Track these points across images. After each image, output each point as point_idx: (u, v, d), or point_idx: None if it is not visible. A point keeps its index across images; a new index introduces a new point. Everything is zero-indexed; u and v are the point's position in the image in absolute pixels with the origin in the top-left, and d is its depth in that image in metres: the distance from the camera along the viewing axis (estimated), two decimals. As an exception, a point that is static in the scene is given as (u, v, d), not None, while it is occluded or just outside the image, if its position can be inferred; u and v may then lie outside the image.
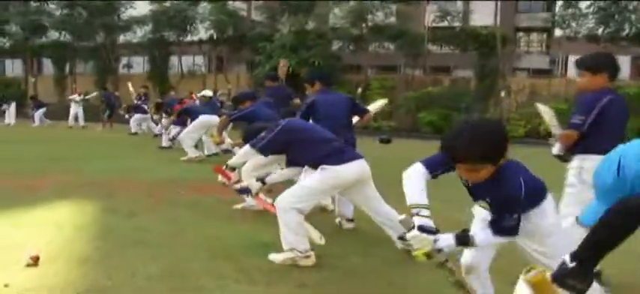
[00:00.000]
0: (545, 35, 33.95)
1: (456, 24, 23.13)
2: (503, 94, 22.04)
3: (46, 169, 8.09)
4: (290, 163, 4.55)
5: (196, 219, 5.20)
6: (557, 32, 25.71)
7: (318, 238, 4.01)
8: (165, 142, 11.65)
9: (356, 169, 3.99)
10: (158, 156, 10.67)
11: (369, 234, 4.67)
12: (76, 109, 19.58)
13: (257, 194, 4.44)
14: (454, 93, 22.29)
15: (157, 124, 14.73)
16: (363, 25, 23.07)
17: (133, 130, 16.59)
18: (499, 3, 28.85)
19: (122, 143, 13.40)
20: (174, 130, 11.43)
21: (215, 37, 26.29)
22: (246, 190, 4.45)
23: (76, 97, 19.88)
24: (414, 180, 2.58)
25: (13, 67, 33.86)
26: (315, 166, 4.02)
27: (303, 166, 4.50)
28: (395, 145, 17.49)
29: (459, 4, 23.52)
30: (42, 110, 20.35)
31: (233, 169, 4.44)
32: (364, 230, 4.84)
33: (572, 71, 23.13)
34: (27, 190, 6.27)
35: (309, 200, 3.94)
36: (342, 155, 3.97)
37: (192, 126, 10.12)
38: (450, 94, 22.23)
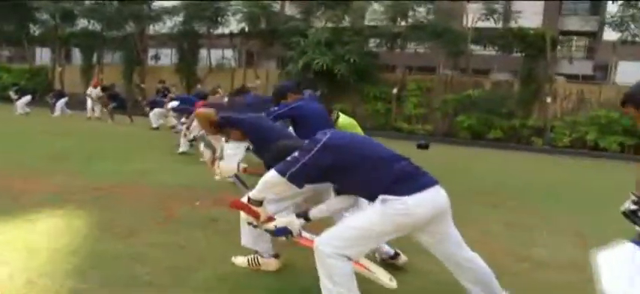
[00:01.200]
0: (587, 40, 32.31)
1: (500, 24, 21.64)
2: (549, 100, 20.56)
3: (43, 169, 7.13)
4: (340, 191, 3.23)
5: (213, 246, 4.13)
6: (607, 36, 24.12)
7: (388, 280, 2.94)
8: (183, 146, 10.18)
9: (433, 200, 2.83)
10: (175, 157, 9.66)
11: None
12: (92, 102, 18.87)
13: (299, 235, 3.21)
14: (497, 97, 20.87)
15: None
16: (403, 22, 21.79)
17: (154, 125, 15.68)
18: (543, 3, 27.45)
19: (139, 139, 12.45)
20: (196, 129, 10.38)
21: (246, 30, 25.27)
22: (283, 231, 3.17)
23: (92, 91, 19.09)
24: None
25: (42, 56, 33.43)
26: (371, 197, 2.86)
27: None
28: (432, 151, 16.26)
29: (505, 3, 21.97)
30: (63, 100, 19.58)
31: (259, 202, 3.16)
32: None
33: (621, 77, 21.51)
34: (9, 196, 5.29)
35: (362, 245, 2.83)
36: (413, 181, 2.82)
37: None
38: (491, 98, 20.81)
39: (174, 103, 10.93)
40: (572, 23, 32.19)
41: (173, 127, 10.57)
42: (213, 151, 7.86)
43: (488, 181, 8.98)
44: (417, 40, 21.42)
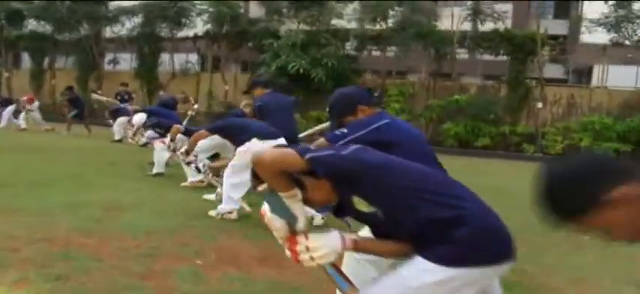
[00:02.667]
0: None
1: (488, 25, 20.44)
2: (540, 105, 19.48)
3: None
4: None
5: None
6: (587, 38, 23.31)
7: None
8: (158, 167, 8.27)
9: None
10: (149, 181, 7.86)
11: None
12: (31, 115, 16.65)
13: None
14: (484, 102, 19.64)
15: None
16: (383, 23, 20.35)
17: (116, 138, 13.76)
18: (511, 5, 26.29)
19: (100, 156, 10.51)
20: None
21: (212, 32, 23.41)
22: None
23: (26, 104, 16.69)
24: None
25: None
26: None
27: None
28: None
29: (490, 3, 20.79)
30: (11, 108, 17.21)
31: None
32: None
33: (612, 81, 20.56)
34: None
35: None
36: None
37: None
38: (478, 104, 19.58)
39: (140, 117, 9.08)
40: (541, 26, 31.29)
41: (143, 144, 8.76)
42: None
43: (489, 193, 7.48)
44: (399, 43, 19.93)
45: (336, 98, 3.08)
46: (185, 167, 7.21)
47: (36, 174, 7.39)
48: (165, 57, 25.26)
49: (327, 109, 3.06)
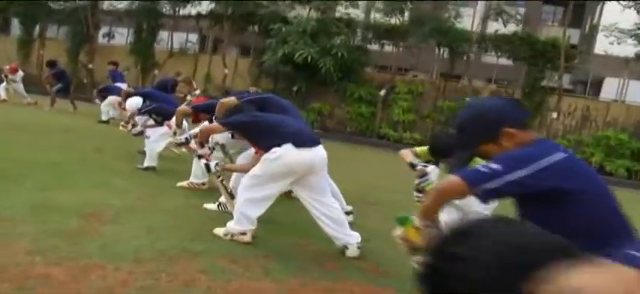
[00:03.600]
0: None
1: (510, 27, 19.35)
2: (554, 115, 18.46)
3: None
4: None
5: None
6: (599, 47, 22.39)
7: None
8: (150, 160, 7.01)
9: None
10: (139, 176, 6.71)
11: None
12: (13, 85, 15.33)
13: None
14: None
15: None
16: (401, 15, 19.19)
17: (103, 118, 12.57)
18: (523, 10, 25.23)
19: (83, 139, 9.35)
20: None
21: (216, 12, 22.14)
22: None
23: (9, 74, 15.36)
24: None
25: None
26: None
27: None
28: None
29: (514, 3, 19.69)
30: (-6, 78, 15.89)
31: None
32: None
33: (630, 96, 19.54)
34: None
35: None
36: None
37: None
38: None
39: (135, 101, 7.85)
40: (553, 32, 30.28)
41: (138, 133, 7.52)
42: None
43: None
44: (417, 38, 18.80)
45: (470, 116, 2.07)
46: (195, 163, 6.01)
47: (4, 160, 6.21)
48: (163, 34, 23.98)
49: (456, 130, 2.00)
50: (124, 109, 8.78)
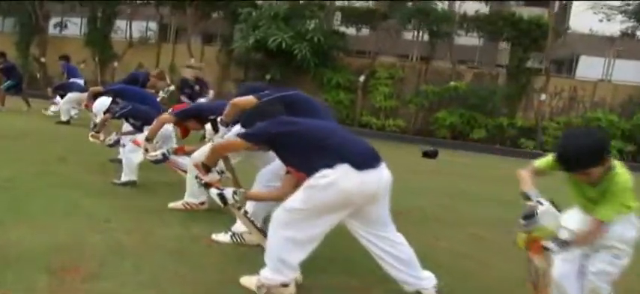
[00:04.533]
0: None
1: (470, 7, 18.49)
2: (543, 97, 17.71)
3: None
4: None
5: None
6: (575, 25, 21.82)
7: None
8: (129, 174, 5.65)
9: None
10: (117, 195, 5.37)
11: None
12: None
13: None
14: (483, 91, 17.69)
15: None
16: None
17: (63, 118, 11.02)
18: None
19: (43, 144, 7.94)
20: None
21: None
22: None
23: None
24: None
25: None
26: None
27: None
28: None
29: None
30: None
31: None
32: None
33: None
34: None
35: None
36: None
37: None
38: (478, 92, 17.63)
39: (102, 103, 6.43)
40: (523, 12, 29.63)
41: (113, 143, 6.11)
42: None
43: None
44: (397, 20, 17.72)
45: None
46: (189, 178, 4.72)
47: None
48: (121, 23, 22.24)
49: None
50: (91, 110, 7.35)
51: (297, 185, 3.09)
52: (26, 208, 4.37)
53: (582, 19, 22.00)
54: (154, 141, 5.02)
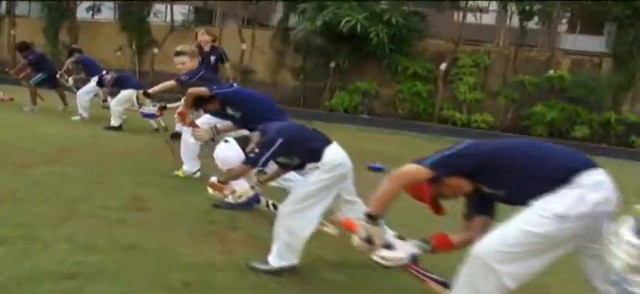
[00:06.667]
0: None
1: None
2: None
3: None
4: None
5: None
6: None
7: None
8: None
9: None
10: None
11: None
12: None
13: None
14: (589, 81, 15.03)
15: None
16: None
17: (114, 123, 8.43)
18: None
19: (74, 156, 5.54)
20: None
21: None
22: None
23: None
24: None
25: None
26: None
27: None
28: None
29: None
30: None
31: None
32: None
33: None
34: None
35: None
36: None
37: None
38: (581, 82, 14.99)
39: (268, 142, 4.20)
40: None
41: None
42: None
43: None
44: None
45: None
46: None
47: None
48: (159, 7, 19.90)
49: None
50: (185, 123, 4.68)
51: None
52: None
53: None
54: None
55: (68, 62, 10.30)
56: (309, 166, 3.06)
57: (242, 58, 17.64)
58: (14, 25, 20.66)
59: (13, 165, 4.98)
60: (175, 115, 4.40)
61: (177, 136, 6.72)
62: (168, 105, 5.84)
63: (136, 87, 8.20)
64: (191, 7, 20.24)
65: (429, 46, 16.84)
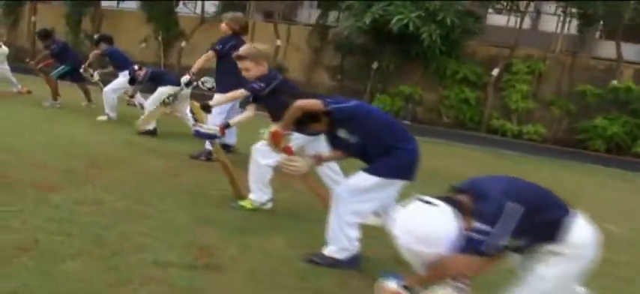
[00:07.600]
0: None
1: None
2: None
3: None
4: None
5: None
6: None
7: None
8: None
9: None
10: None
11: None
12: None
13: None
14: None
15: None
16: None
17: (148, 127, 7.27)
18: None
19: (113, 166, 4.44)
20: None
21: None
22: None
23: None
24: None
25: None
26: None
27: None
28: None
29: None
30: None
31: None
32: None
33: None
34: None
35: None
36: None
37: None
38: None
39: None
40: None
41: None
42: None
43: None
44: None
45: None
46: None
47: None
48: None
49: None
50: (286, 150, 3.46)
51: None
52: None
53: None
54: None
55: (93, 54, 9.19)
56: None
57: (275, 56, 16.49)
58: (35, 12, 19.69)
59: (32, 188, 3.88)
60: (266, 138, 3.25)
61: (225, 148, 5.61)
62: (231, 121, 4.79)
63: (174, 84, 7.08)
64: (222, -1, 19.05)
65: (479, 49, 15.58)
